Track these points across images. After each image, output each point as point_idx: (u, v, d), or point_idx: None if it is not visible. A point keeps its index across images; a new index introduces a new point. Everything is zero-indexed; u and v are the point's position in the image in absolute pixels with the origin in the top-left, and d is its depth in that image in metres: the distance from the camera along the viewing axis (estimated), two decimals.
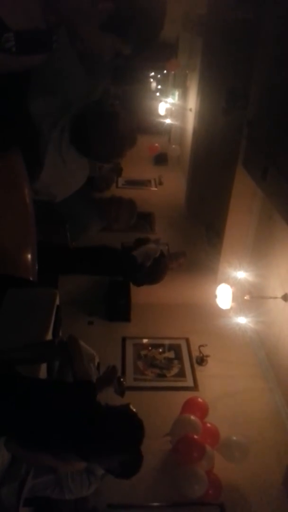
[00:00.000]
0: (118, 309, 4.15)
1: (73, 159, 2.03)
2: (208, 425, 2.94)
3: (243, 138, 3.77)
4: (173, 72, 7.76)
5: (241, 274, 3.70)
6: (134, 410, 2.23)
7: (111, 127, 2.07)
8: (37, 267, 1.78)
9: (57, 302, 2.81)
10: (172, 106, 7.92)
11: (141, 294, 4.26)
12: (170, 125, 8.25)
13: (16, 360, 2.02)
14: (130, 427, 1.99)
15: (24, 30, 1.32)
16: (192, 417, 2.87)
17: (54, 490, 2.21)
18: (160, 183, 7.44)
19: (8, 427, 1.84)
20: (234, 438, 2.86)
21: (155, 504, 2.73)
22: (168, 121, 8.07)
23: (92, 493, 2.55)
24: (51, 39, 1.49)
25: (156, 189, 7.33)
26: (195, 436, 2.76)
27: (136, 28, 1.33)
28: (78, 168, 2.09)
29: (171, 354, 3.82)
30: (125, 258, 3.72)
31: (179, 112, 7.75)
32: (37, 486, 2.17)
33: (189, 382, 3.55)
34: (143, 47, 1.43)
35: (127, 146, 2.18)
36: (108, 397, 2.62)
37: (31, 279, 1.85)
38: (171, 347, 3.89)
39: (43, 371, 2.27)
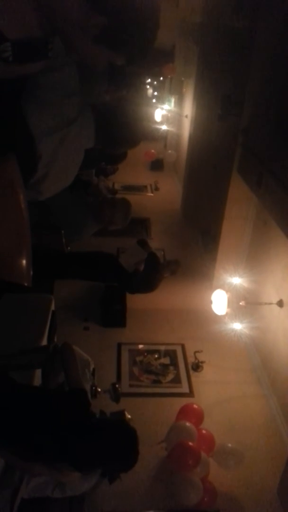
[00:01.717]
0: (114, 314, 4.14)
1: (66, 160, 2.03)
2: (204, 431, 2.93)
3: (238, 144, 3.79)
4: (169, 77, 7.81)
5: (237, 280, 3.72)
6: (129, 416, 2.22)
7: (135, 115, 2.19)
8: (32, 273, 1.78)
9: (53, 307, 2.81)
10: (168, 112, 7.97)
11: (136, 300, 4.25)
12: (166, 132, 8.29)
13: (10, 366, 2.01)
14: (123, 437, 1.98)
15: (20, 40, 1.33)
16: (188, 424, 2.86)
17: (54, 489, 2.18)
18: (156, 189, 7.47)
19: (1, 433, 1.82)
20: (229, 445, 2.85)
21: (150, 511, 2.71)
22: (164, 127, 8.11)
23: (87, 500, 2.54)
24: (47, 47, 1.50)
25: (152, 194, 7.36)
26: (190, 443, 2.74)
27: (129, 41, 1.34)
28: (69, 167, 2.09)
29: (166, 360, 3.82)
30: (119, 264, 3.73)
31: (175, 119, 7.80)
32: (37, 487, 2.15)
33: (185, 388, 3.54)
34: (137, 58, 1.45)
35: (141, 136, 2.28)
36: (103, 403, 2.61)
37: (26, 284, 1.85)
38: (166, 353, 3.88)
39: (37, 377, 2.26)
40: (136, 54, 1.43)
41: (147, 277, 3.69)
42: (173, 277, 4.16)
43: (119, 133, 2.16)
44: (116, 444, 2.00)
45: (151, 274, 3.64)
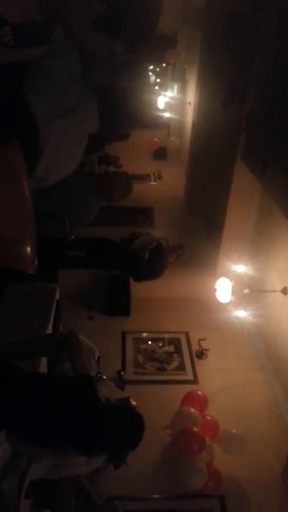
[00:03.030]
0: (118, 303, 4.16)
1: (71, 147, 2.02)
2: (208, 417, 2.95)
3: (242, 132, 3.76)
4: (172, 63, 7.71)
5: (241, 268, 3.71)
6: (134, 403, 2.24)
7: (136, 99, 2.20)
8: (36, 260, 1.78)
9: (57, 297, 2.82)
10: (171, 99, 7.89)
11: (140, 289, 4.25)
12: (169, 119, 8.21)
13: (16, 354, 2.02)
14: (129, 422, 2.01)
15: (21, 24, 1.32)
16: (192, 410, 2.89)
17: (59, 471, 2.20)
18: (160, 177, 7.43)
19: (8, 421, 1.85)
20: (234, 430, 2.88)
21: (156, 496, 2.75)
22: (167, 114, 8.03)
23: (92, 485, 2.57)
24: (48, 31, 1.49)
25: (155, 183, 7.32)
26: (195, 429, 2.77)
27: (129, 28, 1.33)
28: (74, 153, 2.08)
29: (171, 348, 3.84)
30: (125, 251, 3.72)
31: (178, 106, 7.72)
32: (40, 471, 2.17)
33: (189, 376, 3.56)
34: (138, 45, 1.43)
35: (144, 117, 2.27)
36: (108, 391, 2.63)
37: (30, 272, 1.85)
38: (171, 341, 3.90)
39: (43, 365, 2.28)
40: (136, 41, 1.42)
41: (152, 263, 3.70)
42: (177, 265, 4.18)
43: (120, 113, 2.14)
44: (122, 429, 2.03)
45: (156, 260, 3.64)
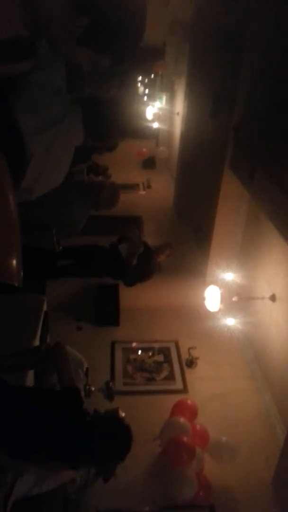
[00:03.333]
0: (107, 313, 4.15)
1: (57, 159, 2.03)
2: (198, 426, 2.94)
3: (230, 141, 3.80)
4: (160, 74, 7.78)
5: (229, 276, 3.73)
6: (123, 414, 2.23)
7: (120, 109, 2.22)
8: (22, 273, 1.77)
9: (45, 308, 2.81)
10: (160, 110, 7.95)
11: (129, 298, 4.26)
12: (157, 129, 8.27)
13: (2, 367, 2.01)
14: (117, 434, 2.00)
15: (6, 39, 1.34)
16: (182, 419, 2.88)
17: (41, 485, 2.16)
18: (149, 187, 7.46)
19: None
20: (224, 439, 2.87)
21: (146, 509, 2.72)
22: (155, 125, 8.09)
23: (82, 498, 2.55)
24: (34, 46, 1.50)
25: (144, 192, 7.35)
26: (185, 438, 2.76)
27: (113, 41, 1.35)
28: (60, 165, 2.09)
29: (160, 358, 3.83)
30: (115, 257, 3.73)
31: (166, 116, 7.78)
32: (26, 486, 2.14)
33: (179, 385, 3.55)
34: (123, 58, 1.46)
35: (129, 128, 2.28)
36: (97, 402, 2.62)
37: (16, 285, 1.84)
38: (160, 350, 3.89)
39: (29, 378, 2.26)
40: (122, 54, 1.44)
41: (141, 267, 3.70)
42: (166, 274, 4.19)
43: (107, 124, 2.16)
44: (110, 441, 2.02)
45: (145, 264, 3.65)
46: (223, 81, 4.19)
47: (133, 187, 7.40)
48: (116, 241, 3.91)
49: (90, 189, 3.34)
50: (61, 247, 3.21)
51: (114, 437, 2.04)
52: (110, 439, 2.03)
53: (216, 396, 3.44)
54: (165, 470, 2.79)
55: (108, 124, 2.18)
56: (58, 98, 1.90)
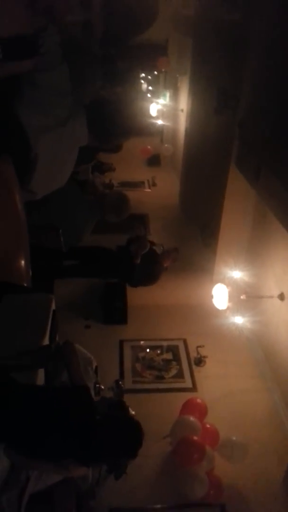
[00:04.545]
0: (115, 312, 4.14)
1: (61, 160, 2.03)
2: (208, 425, 2.94)
3: (235, 138, 3.78)
4: (164, 71, 7.76)
5: (237, 274, 3.70)
6: (132, 412, 2.23)
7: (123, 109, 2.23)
8: (31, 273, 1.78)
9: (53, 307, 2.81)
10: (164, 107, 7.92)
11: (137, 296, 4.26)
12: (162, 126, 8.25)
13: (13, 367, 2.01)
14: (128, 432, 1.99)
15: (10, 37, 1.33)
16: (192, 418, 2.87)
17: (46, 480, 2.17)
18: (154, 184, 7.45)
19: (7, 434, 1.83)
20: (234, 438, 2.86)
21: (157, 506, 2.73)
22: (160, 122, 8.06)
23: (94, 497, 2.55)
24: (38, 43, 1.50)
25: (149, 190, 7.34)
26: (195, 437, 2.75)
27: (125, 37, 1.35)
28: (65, 166, 2.09)
29: (169, 356, 3.82)
30: (119, 258, 3.72)
31: (170, 113, 7.75)
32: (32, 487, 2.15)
33: (188, 383, 3.55)
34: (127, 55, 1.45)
35: (133, 129, 2.27)
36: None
37: (25, 285, 1.85)
38: (169, 349, 3.89)
39: (40, 377, 2.27)
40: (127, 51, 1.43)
41: (147, 269, 3.70)
42: (173, 272, 4.18)
43: (111, 124, 2.16)
44: (121, 438, 2.01)
45: (151, 266, 3.65)
46: (227, 78, 4.16)
47: (138, 185, 7.40)
48: (126, 243, 3.91)
49: (102, 201, 3.35)
50: (67, 247, 3.22)
51: (125, 434, 2.04)
52: (121, 435, 2.03)
53: (225, 395, 3.43)
54: (176, 469, 2.79)
55: (113, 125, 2.18)
56: (63, 99, 1.90)
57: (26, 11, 1.35)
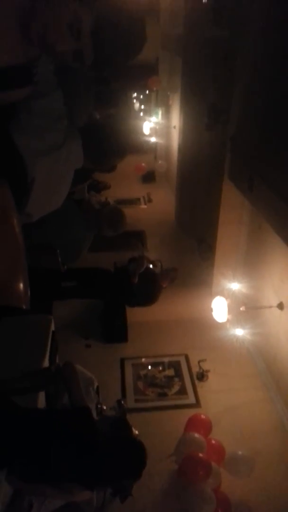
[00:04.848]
0: (115, 330, 4.13)
1: (57, 182, 2.05)
2: (213, 441, 2.90)
3: (228, 151, 3.82)
4: (155, 89, 7.89)
5: (236, 286, 3.71)
6: (136, 432, 2.20)
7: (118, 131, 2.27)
8: (29, 295, 1.78)
9: (52, 328, 2.81)
10: (156, 124, 8.03)
11: (137, 313, 4.24)
12: (155, 143, 8.35)
13: (13, 390, 2.00)
14: (131, 452, 1.97)
15: (5, 67, 1.36)
16: (196, 435, 2.84)
17: (47, 506, 2.13)
18: (150, 201, 7.49)
19: (8, 459, 1.81)
20: (240, 453, 2.83)
21: None
22: (153, 139, 8.16)
23: None
24: (32, 72, 1.53)
25: (145, 206, 7.38)
26: (200, 455, 2.72)
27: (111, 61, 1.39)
28: (60, 189, 2.11)
29: (171, 372, 3.80)
30: (117, 279, 3.73)
31: (163, 130, 7.86)
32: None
33: (191, 399, 3.52)
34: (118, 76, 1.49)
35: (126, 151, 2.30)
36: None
37: (24, 308, 1.85)
38: (170, 365, 3.86)
39: (41, 400, 2.25)
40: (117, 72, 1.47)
41: (145, 289, 3.70)
42: (172, 286, 4.18)
43: (105, 146, 2.19)
44: (124, 460, 1.99)
45: (148, 286, 3.65)
46: (218, 94, 4.23)
47: (134, 201, 7.44)
48: (127, 262, 3.92)
49: (98, 216, 3.37)
50: (65, 267, 3.22)
51: (128, 455, 2.02)
52: (124, 458, 2.00)
53: (229, 409, 3.40)
54: (182, 488, 2.75)
55: (108, 147, 2.21)
56: (58, 123, 1.93)
57: (20, 41, 1.38)
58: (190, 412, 3.18)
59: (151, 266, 3.99)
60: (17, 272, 1.66)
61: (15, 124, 1.76)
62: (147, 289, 3.77)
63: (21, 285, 1.68)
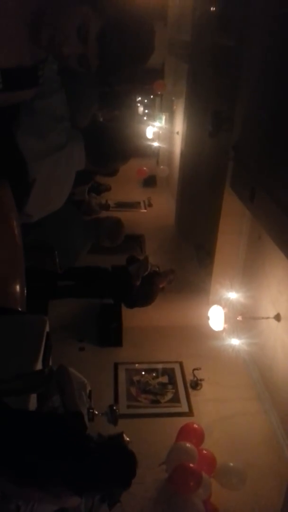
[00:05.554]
0: (110, 333, 4.09)
1: (59, 184, 2.04)
2: (204, 452, 2.87)
3: (230, 160, 3.81)
4: (160, 94, 7.91)
5: (233, 295, 3.69)
6: (127, 439, 2.17)
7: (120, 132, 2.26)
8: (25, 297, 1.75)
9: (47, 329, 2.77)
10: (160, 129, 8.05)
11: (133, 318, 4.22)
12: (158, 148, 8.36)
13: (5, 391, 1.96)
14: (121, 460, 1.94)
15: (10, 68, 1.34)
16: (188, 445, 2.80)
17: (38, 509, 2.10)
18: (150, 205, 7.49)
19: None
20: (231, 464, 2.79)
21: None
22: (156, 144, 8.18)
23: None
24: (37, 74, 1.52)
25: (145, 211, 7.37)
26: (191, 465, 2.68)
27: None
28: (61, 190, 2.09)
29: (164, 379, 3.76)
30: (117, 278, 3.71)
31: (166, 135, 7.87)
32: None
33: (184, 408, 3.48)
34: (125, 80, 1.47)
35: (129, 154, 2.28)
36: (101, 425, 2.56)
37: (19, 309, 1.82)
38: (164, 372, 3.83)
39: (33, 402, 2.22)
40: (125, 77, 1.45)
41: (144, 290, 3.69)
42: (169, 293, 4.16)
43: (108, 149, 2.17)
44: (115, 467, 1.96)
45: (148, 287, 3.64)
46: (222, 101, 4.24)
47: (134, 205, 7.44)
48: (126, 262, 3.91)
49: (97, 225, 3.37)
50: (63, 268, 3.19)
51: (119, 463, 1.99)
52: (115, 465, 1.97)
53: (222, 419, 3.36)
54: (171, 497, 2.71)
55: (111, 150, 2.19)
56: (60, 125, 1.91)
57: (28, 43, 1.37)
58: (183, 421, 3.14)
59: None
60: (15, 274, 1.63)
61: (18, 124, 1.74)
62: (145, 290, 3.76)
63: (18, 287, 1.65)
